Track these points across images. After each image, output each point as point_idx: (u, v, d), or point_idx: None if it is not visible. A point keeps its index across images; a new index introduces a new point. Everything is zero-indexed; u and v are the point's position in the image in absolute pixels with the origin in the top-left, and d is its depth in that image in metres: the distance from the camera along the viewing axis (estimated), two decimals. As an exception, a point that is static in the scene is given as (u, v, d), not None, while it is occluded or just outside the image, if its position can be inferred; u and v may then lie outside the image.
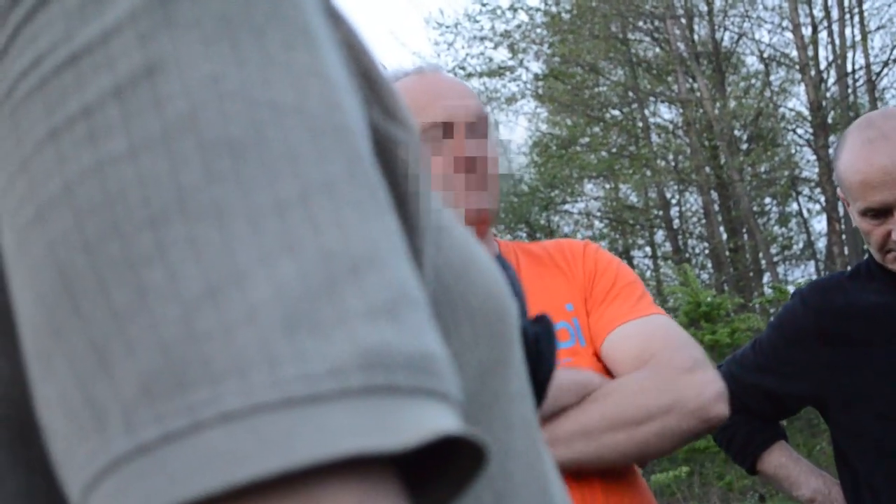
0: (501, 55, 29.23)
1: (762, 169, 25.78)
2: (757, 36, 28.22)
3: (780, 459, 2.83)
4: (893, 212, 2.60)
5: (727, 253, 25.05)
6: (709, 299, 12.14)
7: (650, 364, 1.97)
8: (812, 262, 26.16)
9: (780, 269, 26.39)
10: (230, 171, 0.46)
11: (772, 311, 15.97)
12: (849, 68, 23.47)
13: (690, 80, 24.90)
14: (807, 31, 23.36)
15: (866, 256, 2.79)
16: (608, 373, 2.07)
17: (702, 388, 1.95)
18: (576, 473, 1.93)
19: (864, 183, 2.64)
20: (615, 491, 1.98)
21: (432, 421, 0.43)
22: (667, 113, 27.77)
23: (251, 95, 0.48)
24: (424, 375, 0.45)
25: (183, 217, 0.44)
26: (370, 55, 0.64)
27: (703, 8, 25.09)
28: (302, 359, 0.42)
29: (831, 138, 21.38)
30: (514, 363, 0.75)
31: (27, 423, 0.52)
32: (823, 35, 23.68)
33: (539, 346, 0.85)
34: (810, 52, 23.32)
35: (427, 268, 0.63)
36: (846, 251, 20.55)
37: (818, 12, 23.37)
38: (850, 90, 23.43)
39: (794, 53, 24.02)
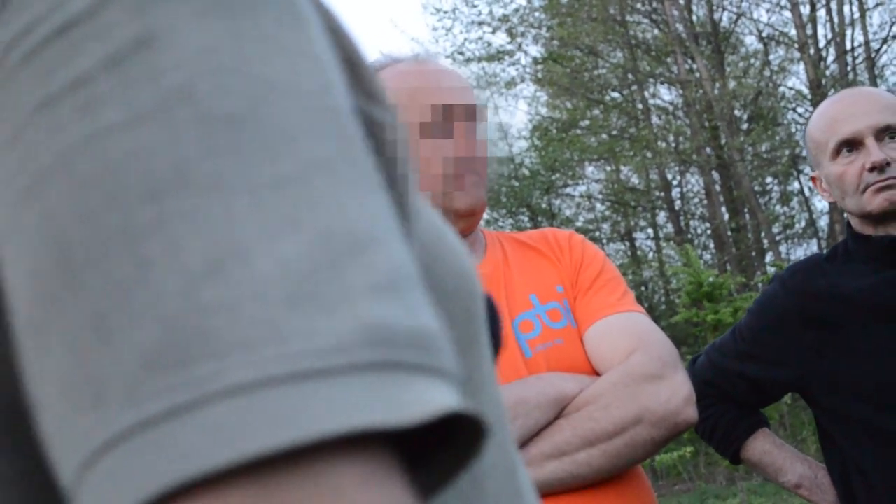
0: (500, 39, 29.24)
1: (763, 148, 25.77)
2: (755, 15, 28.19)
3: (763, 446, 2.80)
4: (864, 143, 2.61)
5: (729, 233, 25.05)
6: (711, 279, 12.17)
7: (622, 368, 1.97)
8: (814, 241, 26.16)
9: (783, 248, 26.39)
10: (229, 145, 0.45)
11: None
12: (848, 46, 23.44)
13: (689, 61, 24.86)
14: (805, 10, 23.34)
15: (841, 237, 2.78)
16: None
17: (669, 395, 1.94)
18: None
19: (833, 119, 2.67)
20: (616, 492, 1.97)
21: (436, 397, 0.43)
22: (666, 94, 27.76)
23: (246, 70, 0.47)
24: (426, 352, 0.45)
25: (183, 190, 0.44)
26: (351, 39, 0.64)
27: (701, -12, 25.07)
28: (308, 334, 0.42)
29: (831, 116, 21.30)
30: (483, 343, 0.76)
31: (14, 405, 0.51)
32: (822, 13, 23.69)
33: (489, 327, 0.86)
34: (809, 31, 23.31)
35: (415, 248, 0.64)
36: (848, 229, 20.49)
37: (816, -10, 23.34)
38: (849, 68, 23.38)
39: (793, 32, 24.00)
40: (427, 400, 0.43)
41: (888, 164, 2.57)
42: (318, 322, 0.42)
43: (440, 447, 0.48)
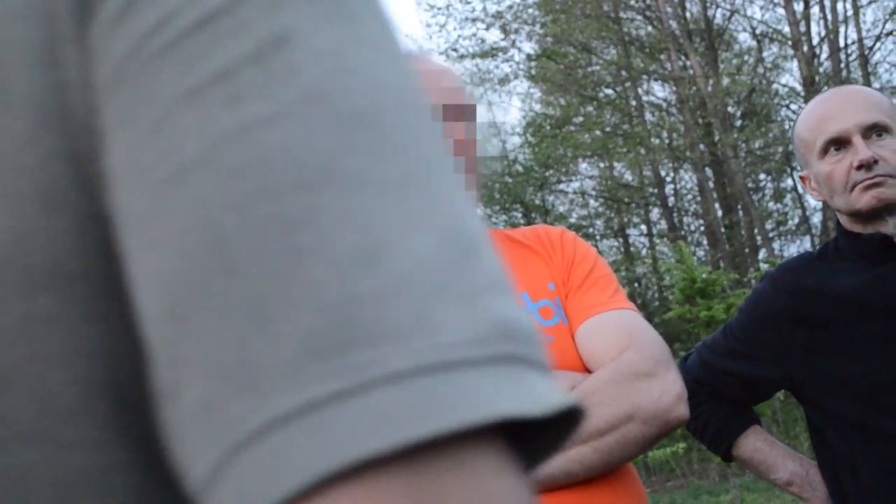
0: (494, 36, 29.28)
1: (756, 145, 25.79)
2: (749, 12, 28.23)
3: (755, 444, 2.79)
4: (852, 141, 2.60)
5: (722, 229, 25.05)
6: (704, 276, 12.17)
7: (614, 365, 1.96)
8: (807, 238, 26.18)
9: (776, 245, 26.42)
10: (363, 142, 0.47)
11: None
12: (841, 43, 23.46)
13: (683, 57, 24.88)
14: (798, 7, 23.37)
15: (833, 235, 2.77)
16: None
17: (660, 393, 1.94)
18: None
19: (821, 117, 2.66)
20: (607, 488, 1.97)
21: (554, 391, 0.46)
22: (660, 91, 27.79)
23: (366, 73, 0.50)
24: (535, 348, 0.48)
25: (327, 183, 0.45)
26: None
27: (695, -15, 25.07)
28: (452, 326, 0.44)
29: (824, 113, 21.33)
30: None
31: (128, 393, 0.52)
32: (815, 10, 23.69)
33: None
34: (802, 28, 23.30)
35: None
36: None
37: (810, -13, 23.36)
38: (842, 65, 23.41)
39: (787, 29, 24.02)
40: (549, 392, 0.46)
41: (875, 161, 2.57)
42: (457, 315, 0.45)
43: (533, 434, 0.50)
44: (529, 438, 0.49)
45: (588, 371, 2.01)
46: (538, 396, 0.45)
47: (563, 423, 0.49)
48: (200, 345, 0.45)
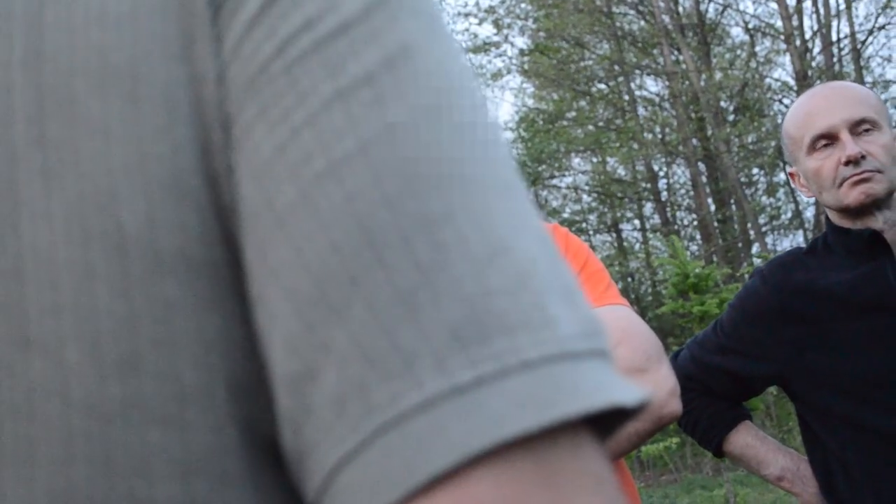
0: (486, 31, 29.27)
1: (749, 139, 25.83)
2: (741, 7, 28.34)
3: (746, 439, 2.80)
4: (839, 137, 2.60)
5: (715, 224, 25.10)
6: (697, 270, 12.18)
7: None
8: (800, 232, 26.22)
9: (769, 239, 26.46)
10: (476, 149, 0.51)
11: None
12: (834, 37, 23.50)
13: (676, 52, 24.91)
14: (791, 1, 23.38)
15: (824, 230, 2.77)
16: None
17: (654, 388, 1.92)
18: None
19: (808, 113, 2.67)
20: None
21: (631, 383, 0.49)
22: (653, 86, 27.87)
23: (466, 85, 0.54)
24: (609, 345, 0.51)
25: (459, 184, 0.49)
26: None
27: (688, -21, 25.09)
28: (565, 320, 0.48)
29: (817, 108, 21.37)
30: None
31: (240, 379, 0.55)
32: (808, 4, 23.79)
33: None
34: (795, 22, 23.35)
35: None
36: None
37: (802, -19, 23.38)
38: (835, 59, 23.43)
39: (779, 23, 24.06)
40: (631, 384, 0.49)
41: (863, 157, 2.57)
42: (567, 310, 0.48)
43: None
44: (598, 425, 0.51)
45: None
46: (630, 388, 0.48)
47: (626, 413, 0.51)
48: (349, 331, 0.47)
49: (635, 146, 25.50)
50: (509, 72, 27.99)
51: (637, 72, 26.78)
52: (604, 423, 0.51)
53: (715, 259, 22.67)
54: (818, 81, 21.57)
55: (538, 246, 0.50)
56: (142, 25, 0.55)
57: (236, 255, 0.54)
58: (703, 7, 25.38)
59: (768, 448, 2.79)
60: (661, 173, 28.14)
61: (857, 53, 23.49)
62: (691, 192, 27.10)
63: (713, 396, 2.80)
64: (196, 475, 0.54)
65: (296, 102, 0.51)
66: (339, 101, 0.51)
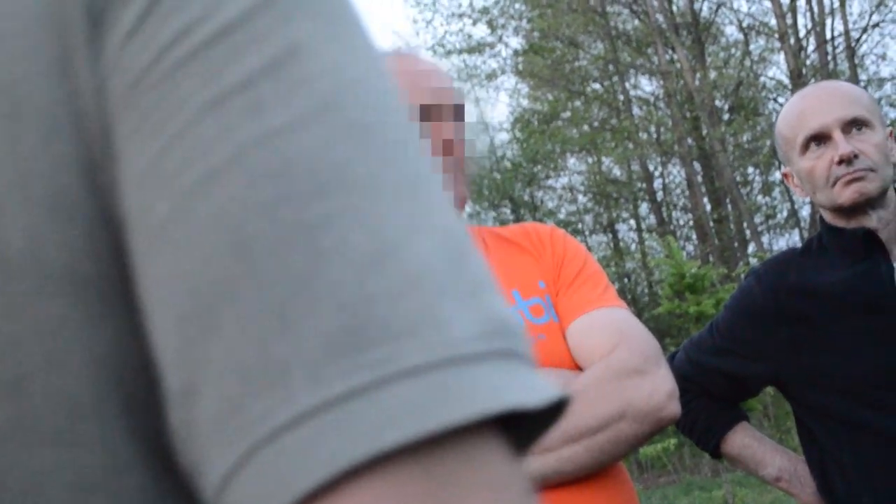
0: (480, 31, 29.31)
1: (744, 139, 25.85)
2: (735, 5, 28.26)
3: (743, 440, 2.80)
4: (832, 136, 2.61)
5: (711, 224, 25.09)
6: (693, 270, 12.18)
7: (605, 363, 1.96)
8: (796, 231, 26.23)
9: (765, 239, 26.46)
10: (370, 150, 0.50)
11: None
12: (828, 35, 23.50)
13: (670, 51, 24.91)
14: None
15: (818, 230, 2.77)
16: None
17: (652, 390, 1.93)
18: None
19: (801, 113, 2.68)
20: (597, 487, 1.96)
21: (547, 384, 0.48)
22: (647, 85, 27.83)
23: (366, 85, 0.52)
24: (525, 343, 0.50)
25: (343, 188, 0.48)
26: None
27: (681, -21, 25.10)
28: (458, 322, 0.46)
29: (812, 106, 21.39)
30: None
31: (134, 394, 0.54)
32: (802, 2, 23.73)
33: None
34: (789, 20, 23.36)
35: None
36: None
37: (796, -21, 23.39)
38: (829, 57, 23.46)
39: (773, 22, 24.07)
40: (544, 385, 0.48)
41: (856, 156, 2.58)
42: (461, 312, 0.47)
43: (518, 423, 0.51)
44: (518, 428, 0.51)
45: (579, 369, 2.01)
46: (536, 388, 0.47)
47: (548, 414, 0.51)
48: (223, 346, 0.46)
49: (630, 146, 25.51)
50: (504, 72, 27.96)
51: (632, 71, 26.81)
52: (525, 426, 0.50)
53: (711, 259, 22.66)
54: (813, 80, 21.58)
55: (439, 246, 0.49)
56: (19, 43, 0.54)
57: (128, 269, 0.53)
58: (697, 6, 25.38)
59: (766, 448, 2.79)
60: (657, 173, 28.12)
61: (851, 51, 23.50)
62: (687, 192, 27.11)
63: (710, 398, 2.79)
64: (91, 493, 0.53)
65: (170, 113, 0.50)
66: (213, 110, 0.49)
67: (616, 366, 1.95)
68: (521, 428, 0.51)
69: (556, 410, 0.51)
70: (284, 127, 0.49)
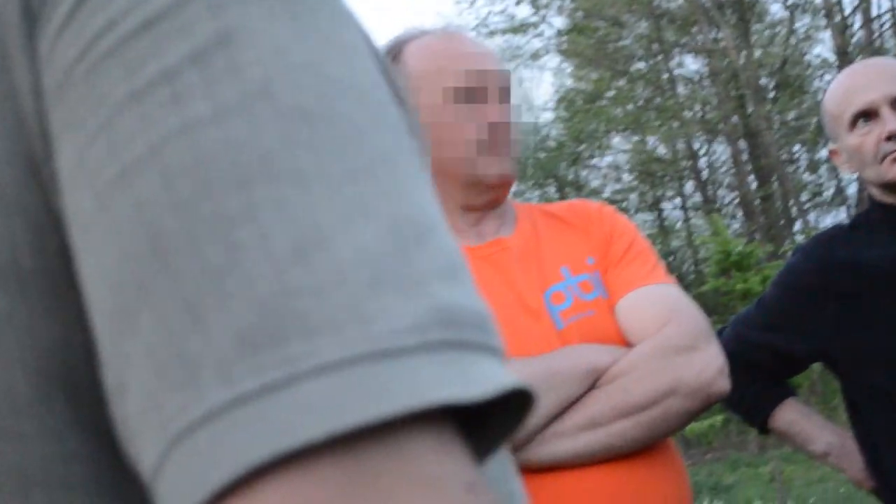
0: (524, 11, 29.17)
1: (790, 116, 25.68)
2: (780, -18, 28.00)
3: (791, 416, 2.79)
4: (880, 112, 2.59)
5: (757, 202, 24.96)
6: (739, 248, 12.14)
7: (655, 339, 1.96)
8: (843, 208, 26.04)
9: (811, 217, 26.31)
10: (305, 138, 0.48)
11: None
12: (874, 12, 23.29)
13: (715, 30, 24.76)
14: (831, -24, 23.20)
15: (866, 207, 2.76)
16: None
17: (702, 366, 1.93)
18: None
19: (848, 90, 2.66)
20: (646, 462, 1.98)
21: (499, 374, 0.46)
22: (692, 64, 27.68)
23: (314, 68, 0.51)
24: (484, 333, 0.48)
25: (268, 180, 0.46)
26: (372, 39, 0.66)
27: (726, -44, 24.93)
28: (388, 315, 0.44)
29: (858, 83, 21.23)
30: None
31: (89, 387, 0.53)
32: (847, -21, 23.52)
33: None
34: (834, -2, 23.17)
35: None
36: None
37: (842, -44, 23.18)
38: (875, 34, 23.24)
39: (819, -1, 23.88)
40: (492, 376, 0.45)
41: None
42: (395, 304, 0.45)
43: (487, 419, 0.50)
44: (484, 424, 0.50)
45: (629, 345, 2.02)
46: (477, 381, 0.45)
47: (517, 409, 0.50)
48: (142, 343, 0.45)
49: (675, 125, 25.42)
50: (548, 52, 27.88)
51: (676, 50, 26.67)
52: (495, 420, 0.50)
53: (757, 237, 22.55)
54: (859, 57, 21.38)
55: (383, 234, 0.47)
56: None
57: (73, 263, 0.53)
58: (741, -16, 25.20)
59: (813, 424, 2.78)
60: (702, 151, 28.02)
61: (897, 28, 23.30)
62: (732, 170, 26.97)
63: (757, 374, 2.78)
64: (37, 485, 0.54)
65: (93, 108, 0.50)
66: (133, 103, 0.48)
67: (666, 342, 1.96)
68: (493, 422, 0.50)
69: (523, 403, 0.50)
70: (206, 118, 0.48)
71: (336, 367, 0.43)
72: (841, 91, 2.68)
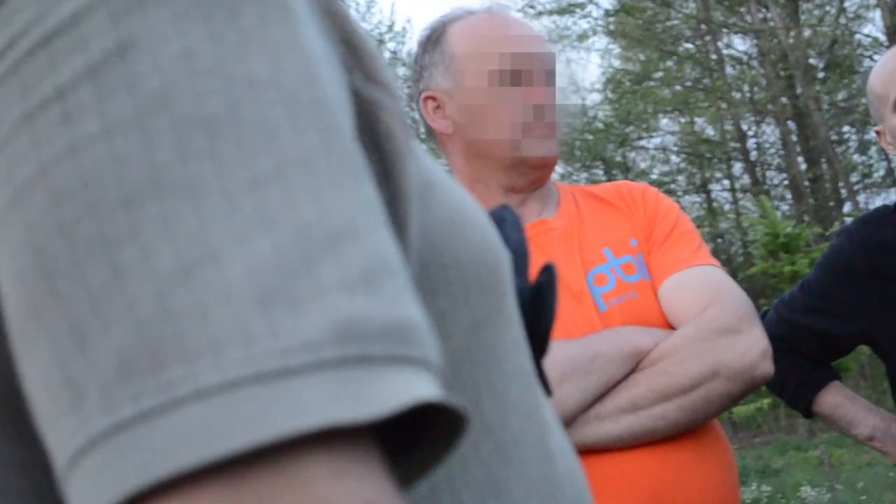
0: (571, -8, 29.00)
1: (839, 97, 25.48)
2: (830, -39, 27.78)
3: (835, 399, 2.76)
4: None
5: (806, 183, 24.82)
6: (787, 230, 12.06)
7: (698, 322, 1.97)
8: (893, 190, 25.85)
9: (861, 198, 26.10)
10: (205, 148, 0.45)
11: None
12: (926, -10, 23.06)
13: (763, 9, 24.61)
14: (881, -46, 22.98)
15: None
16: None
17: (745, 349, 1.94)
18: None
19: (892, 71, 2.62)
20: (692, 445, 1.98)
21: (408, 389, 0.44)
22: (740, 44, 27.52)
23: (226, 71, 0.48)
24: (401, 343, 0.45)
25: (157, 196, 0.44)
26: (350, 20, 0.64)
27: (775, -65, 24.75)
28: (276, 334, 0.42)
29: (909, 63, 21.05)
30: (508, 314, 0.76)
31: (16, 396, 0.53)
32: (898, -43, 23.29)
33: (542, 296, 0.86)
34: (885, -24, 22.95)
35: (412, 230, 0.65)
36: (927, 177, 20.25)
37: (893, -66, 22.95)
38: (927, 13, 23.02)
39: (869, -23, 23.67)
40: (397, 392, 0.43)
41: None
42: (285, 321, 0.43)
43: (426, 435, 0.49)
44: (416, 442, 0.50)
45: (672, 328, 2.02)
46: (370, 399, 0.43)
47: (451, 425, 0.48)
48: (38, 366, 0.45)
49: (723, 106, 25.28)
50: (595, 33, 27.78)
51: (724, 30, 26.51)
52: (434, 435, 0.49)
53: (806, 219, 22.43)
54: (910, 36, 21.23)
55: (284, 248, 0.45)
56: None
57: None
58: (790, -37, 25.02)
59: (858, 408, 2.75)
60: (750, 133, 27.86)
61: (949, 7, 23.07)
62: (781, 152, 26.81)
63: (801, 357, 2.75)
64: None
65: None
66: (26, 125, 0.47)
67: (709, 325, 1.96)
68: (433, 437, 0.49)
69: (456, 423, 0.48)
70: (95, 135, 0.45)
71: (214, 392, 0.41)
72: (886, 72, 2.64)
